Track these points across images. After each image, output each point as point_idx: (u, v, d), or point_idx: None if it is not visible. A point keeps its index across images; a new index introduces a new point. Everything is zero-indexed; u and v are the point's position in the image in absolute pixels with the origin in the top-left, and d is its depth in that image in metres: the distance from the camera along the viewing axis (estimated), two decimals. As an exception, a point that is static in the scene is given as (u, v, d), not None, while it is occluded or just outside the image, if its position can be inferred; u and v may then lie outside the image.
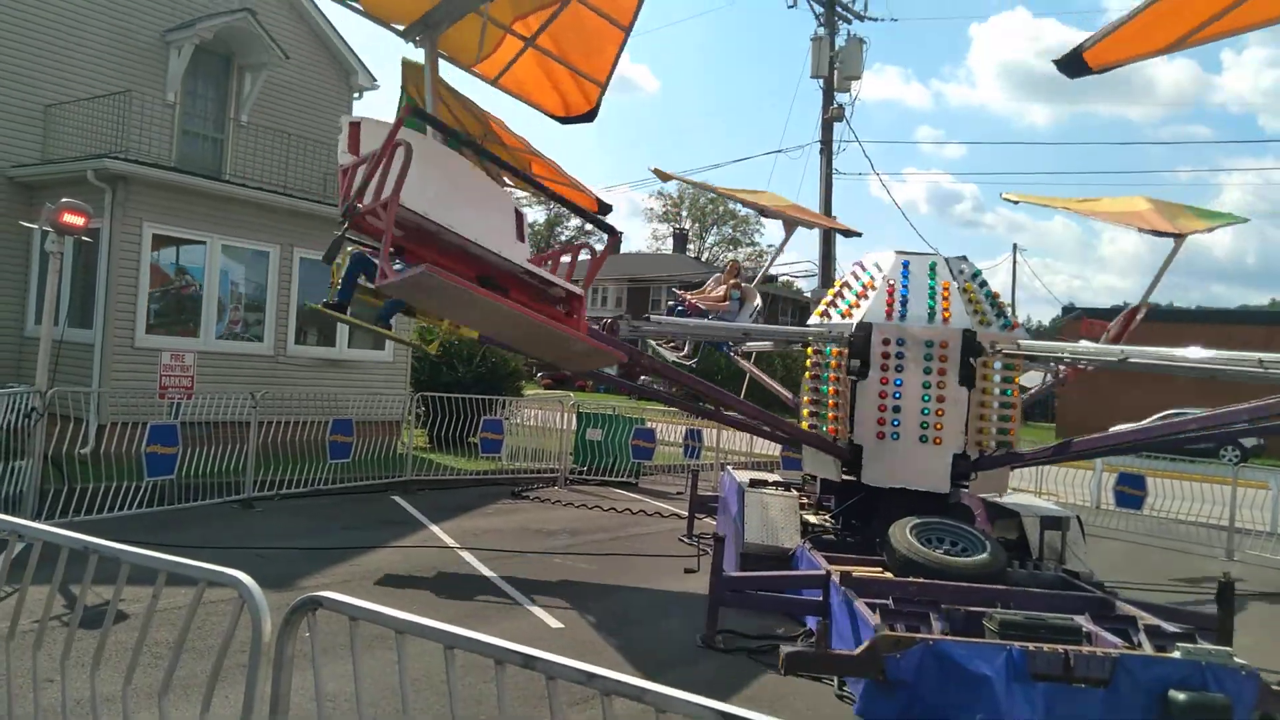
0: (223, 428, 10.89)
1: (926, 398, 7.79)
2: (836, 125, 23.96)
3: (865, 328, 8.04)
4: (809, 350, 8.75)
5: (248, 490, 10.68)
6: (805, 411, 8.68)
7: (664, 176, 12.95)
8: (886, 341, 7.93)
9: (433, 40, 7.33)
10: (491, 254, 6.42)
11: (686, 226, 69.92)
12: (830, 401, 8.18)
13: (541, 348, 7.43)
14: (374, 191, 5.93)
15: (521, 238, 7.14)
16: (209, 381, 12.31)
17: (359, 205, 6.04)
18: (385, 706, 4.79)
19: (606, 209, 9.13)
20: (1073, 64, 6.30)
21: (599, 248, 7.39)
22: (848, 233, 12.34)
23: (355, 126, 6.50)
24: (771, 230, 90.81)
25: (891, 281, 8.24)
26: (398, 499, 11.85)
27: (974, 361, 7.81)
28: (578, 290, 6.85)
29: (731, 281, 11.45)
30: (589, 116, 8.69)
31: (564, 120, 8.66)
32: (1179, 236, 9.25)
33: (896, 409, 7.86)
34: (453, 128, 6.57)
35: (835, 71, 23.83)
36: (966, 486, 8.04)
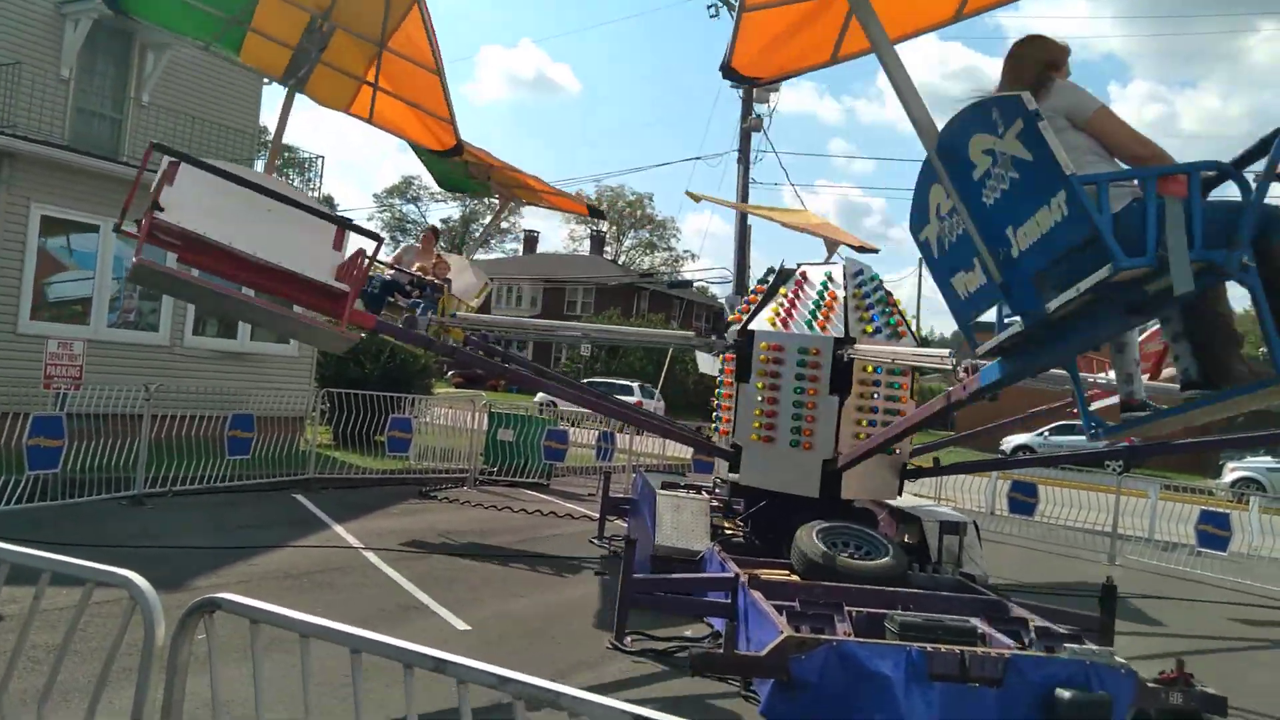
0: (113, 420, 10.38)
1: (798, 404, 8.01)
2: (754, 135, 24.33)
3: (749, 334, 8.35)
4: (728, 356, 8.89)
5: (139, 486, 10.20)
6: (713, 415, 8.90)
7: (695, 198, 13.03)
8: (766, 348, 8.18)
9: (294, 89, 8.36)
10: (254, 258, 7.16)
11: (604, 229, 69.99)
12: (723, 405, 8.44)
13: (283, 327, 10.03)
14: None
15: (337, 247, 7.71)
16: (99, 372, 11.71)
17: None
18: (284, 712, 4.62)
19: (458, 150, 9.30)
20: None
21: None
22: (863, 248, 12.25)
23: (174, 166, 7.13)
24: (688, 237, 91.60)
25: (785, 291, 8.49)
26: (300, 497, 11.49)
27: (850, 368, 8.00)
28: (344, 288, 7.52)
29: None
30: (454, 151, 9.25)
31: (433, 154, 9.23)
32: (833, 245, 10.25)
33: (772, 414, 8.09)
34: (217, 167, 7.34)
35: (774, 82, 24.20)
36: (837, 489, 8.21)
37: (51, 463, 9.28)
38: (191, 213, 7.01)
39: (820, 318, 8.18)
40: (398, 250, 10.94)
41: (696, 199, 13.02)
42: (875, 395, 8.05)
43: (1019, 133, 4.15)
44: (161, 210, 6.86)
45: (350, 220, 8.18)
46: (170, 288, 8.12)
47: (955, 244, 4.86)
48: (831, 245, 10.23)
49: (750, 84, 7.53)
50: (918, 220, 5.22)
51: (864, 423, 8.01)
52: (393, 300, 9.93)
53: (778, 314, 8.37)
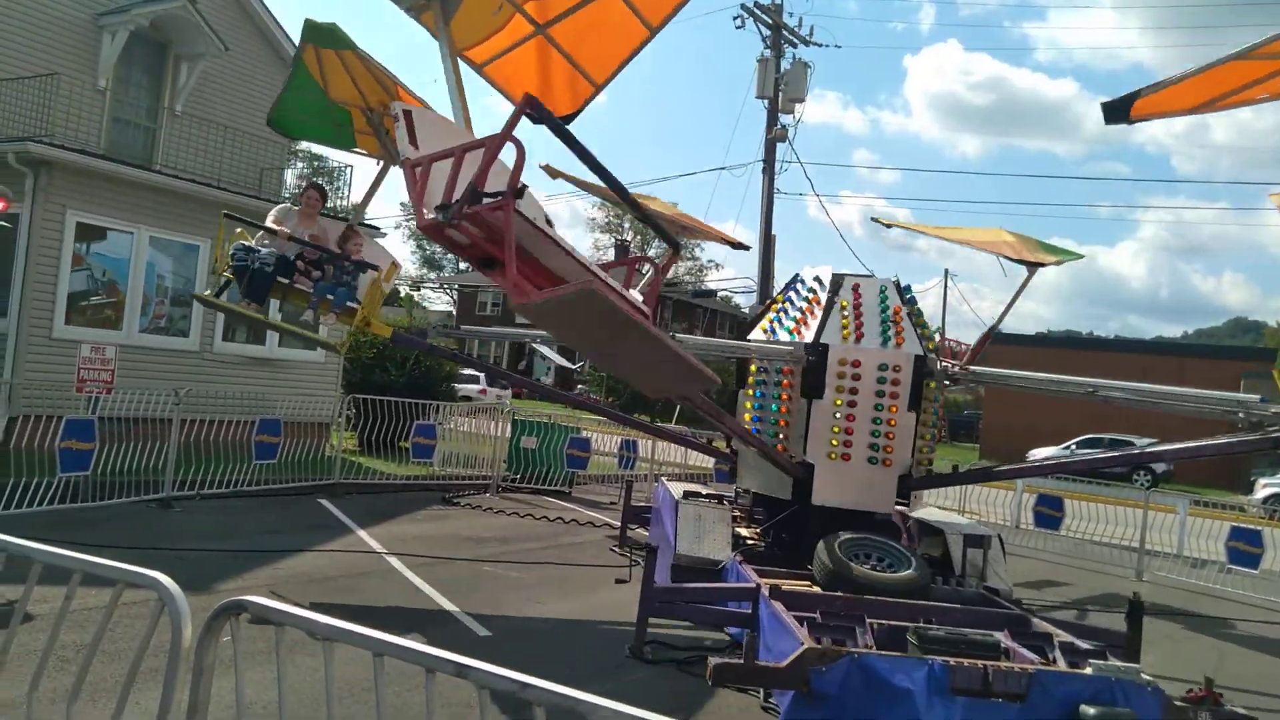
0: (143, 424, 10.53)
1: (878, 420, 7.93)
2: (779, 145, 24.32)
3: (822, 349, 8.11)
4: (752, 366, 8.83)
5: (167, 489, 10.35)
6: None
7: (886, 225, 13.06)
8: (843, 363, 8.03)
9: (447, 14, 7.17)
10: (583, 264, 5.87)
11: (629, 238, 70.11)
12: (781, 420, 8.30)
13: (652, 372, 6.59)
14: (445, 191, 5.32)
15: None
16: (130, 376, 11.90)
17: (465, 208, 5.21)
18: (307, 716, 4.67)
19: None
20: (1119, 111, 6.60)
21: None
22: (1060, 262, 10.84)
23: (408, 116, 6.00)
24: (712, 247, 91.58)
25: (845, 303, 8.35)
26: (324, 502, 11.59)
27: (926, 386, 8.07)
28: (645, 308, 6.22)
29: (311, 226, 8.41)
30: (568, 119, 8.63)
31: (536, 119, 8.62)
32: (1033, 265, 9.82)
33: (849, 430, 7.99)
34: (581, 146, 5.56)
35: (780, 93, 24.21)
36: (906, 504, 8.28)
37: (82, 465, 9.44)
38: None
39: (895, 334, 8.15)
40: (272, 214, 8.29)
41: (888, 226, 12.90)
42: (855, 401, 8.05)
43: None
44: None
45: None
46: (580, 327, 7.35)
47: None
48: (1033, 269, 9.83)
49: (1126, 122, 7.31)
50: None
51: (925, 436, 8.13)
52: (288, 283, 7.95)
53: (845, 328, 8.21)
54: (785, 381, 8.12)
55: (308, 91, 7.85)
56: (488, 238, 5.54)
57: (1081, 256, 10.35)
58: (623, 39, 7.63)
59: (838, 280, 8.62)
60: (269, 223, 8.06)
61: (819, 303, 8.37)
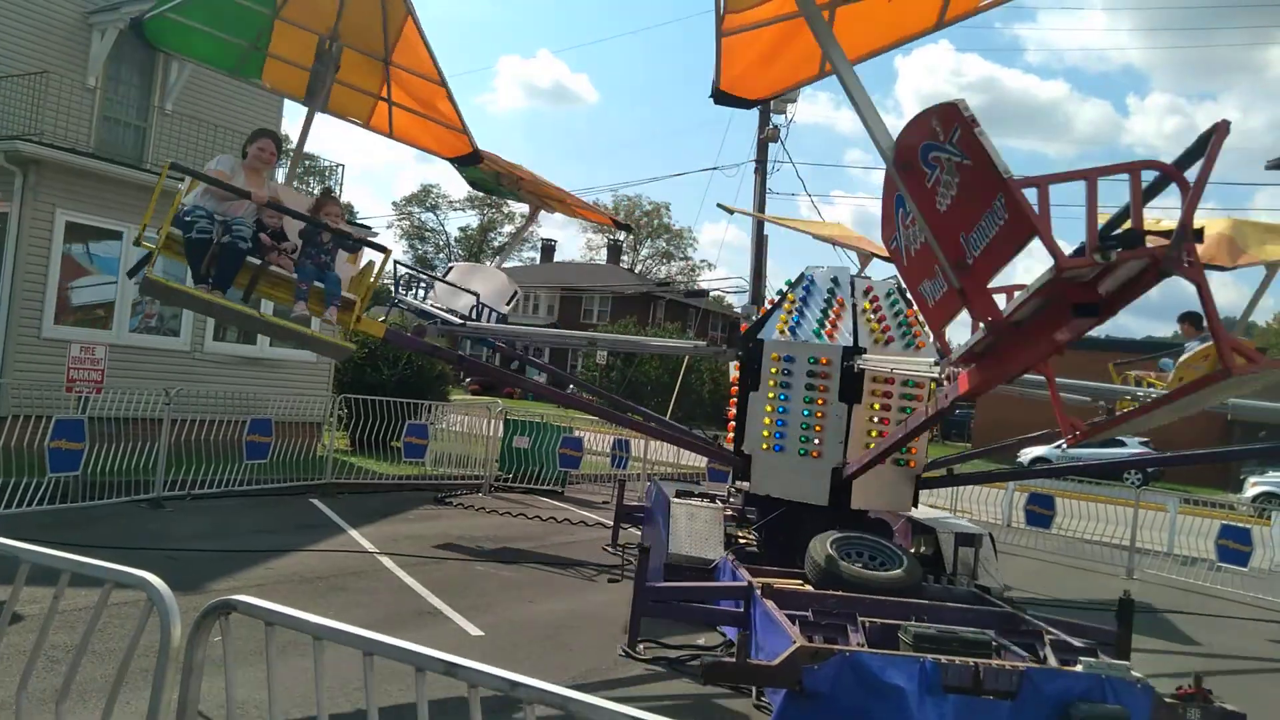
0: (134, 424, 10.49)
1: (807, 413, 7.98)
2: (771, 146, 24.33)
3: (758, 343, 8.28)
4: (773, 369, 8.78)
5: (158, 489, 10.31)
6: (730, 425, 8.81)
7: (730, 210, 13.20)
8: (776, 358, 8.12)
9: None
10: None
11: (621, 238, 70.12)
12: (816, 426, 8.27)
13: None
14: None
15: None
16: (121, 376, 11.85)
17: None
18: (298, 715, 4.66)
19: (477, 158, 9.28)
20: (720, 96, 6.90)
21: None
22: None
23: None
24: (705, 247, 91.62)
25: (869, 306, 8.34)
26: (316, 502, 11.56)
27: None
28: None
29: (258, 186, 7.00)
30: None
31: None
32: (868, 256, 10.12)
33: (782, 422, 8.05)
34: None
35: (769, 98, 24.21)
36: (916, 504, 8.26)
37: (73, 465, 9.40)
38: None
39: (830, 326, 8.15)
40: (211, 164, 7.03)
41: (730, 211, 13.14)
42: (888, 405, 8.01)
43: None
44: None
45: (366, 231, 8.36)
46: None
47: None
48: (865, 258, 10.14)
49: (742, 105, 7.46)
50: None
51: (874, 433, 7.99)
52: (260, 262, 6.71)
53: (784, 322, 8.33)
54: (822, 386, 8.04)
55: None
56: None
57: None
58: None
59: (854, 282, 8.63)
60: (210, 172, 6.69)
61: (844, 305, 8.33)
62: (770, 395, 8.15)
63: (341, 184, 19.42)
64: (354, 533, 9.95)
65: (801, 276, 8.84)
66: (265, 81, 8.66)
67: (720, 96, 7.15)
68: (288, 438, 12.40)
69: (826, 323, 8.24)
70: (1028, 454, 30.50)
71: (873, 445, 7.80)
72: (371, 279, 7.58)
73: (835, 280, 8.56)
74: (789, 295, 8.65)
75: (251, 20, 7.79)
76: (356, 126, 9.13)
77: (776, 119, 24.45)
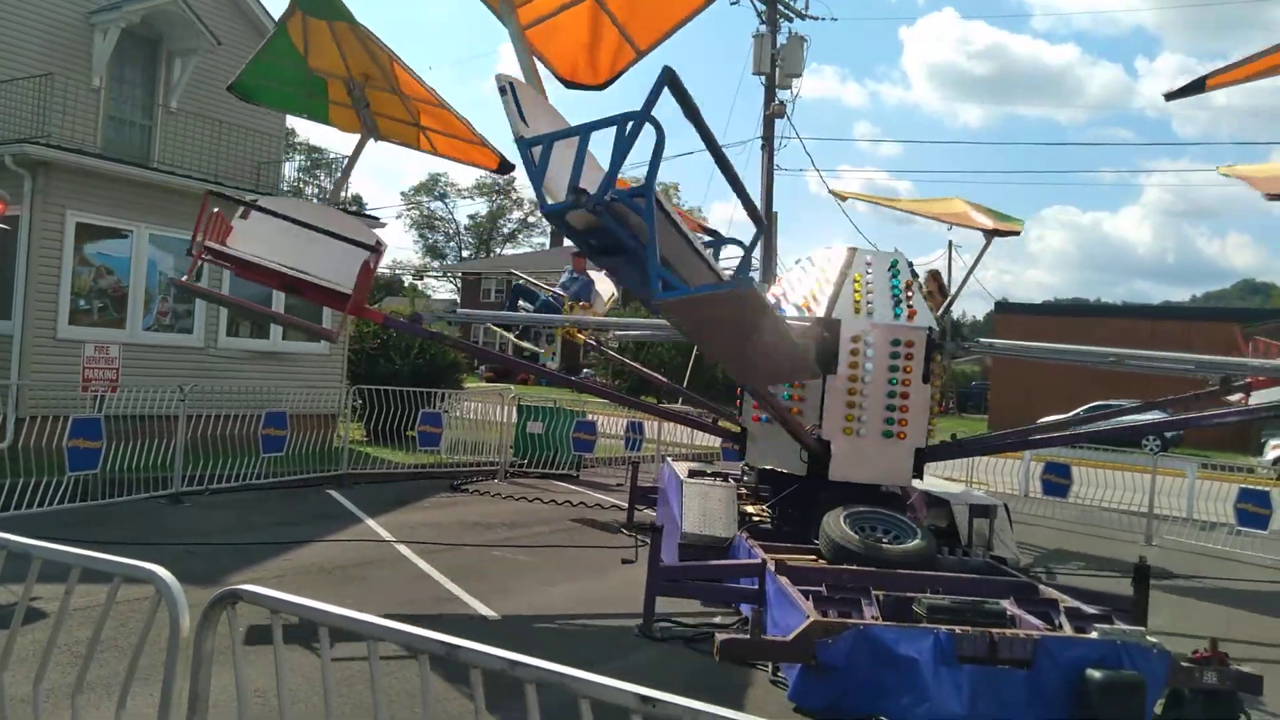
0: (150, 421, 10.59)
1: (892, 394, 7.91)
2: (778, 121, 24.16)
3: (833, 324, 7.98)
4: None
5: (176, 485, 10.42)
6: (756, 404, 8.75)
7: (842, 196, 13.06)
8: (855, 339, 7.93)
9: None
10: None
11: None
12: (794, 395, 8.25)
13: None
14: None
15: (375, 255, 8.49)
16: (136, 374, 11.96)
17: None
18: (314, 702, 4.72)
19: (508, 167, 8.75)
20: (1188, 91, 6.66)
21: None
22: (1006, 231, 10.30)
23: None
24: (715, 225, 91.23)
25: (857, 276, 8.28)
26: (333, 493, 11.66)
27: (935, 359, 8.06)
28: (345, 291, 8.21)
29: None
30: (504, 168, 8.84)
31: (570, 85, 8.25)
32: (990, 233, 9.83)
33: (864, 405, 7.95)
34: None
35: (777, 68, 24.01)
36: (920, 477, 8.28)
37: (91, 463, 9.50)
38: (255, 242, 8.23)
39: (907, 307, 8.11)
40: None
41: (843, 197, 12.96)
42: (866, 374, 8.04)
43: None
44: (232, 240, 8.11)
45: (369, 230, 8.58)
46: (206, 299, 9.03)
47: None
48: (990, 235, 9.83)
49: (594, 89, 7.46)
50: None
51: (933, 409, 8.22)
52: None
53: (857, 302, 8.12)
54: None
55: (284, 58, 7.89)
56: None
57: (1017, 233, 10.32)
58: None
59: (848, 255, 8.56)
60: None
61: (828, 279, 8.32)
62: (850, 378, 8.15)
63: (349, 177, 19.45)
64: (371, 522, 10.03)
65: (798, 260, 8.96)
66: (333, 122, 8.98)
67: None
68: (303, 430, 12.49)
69: (807, 296, 8.30)
70: (1044, 423, 30.28)
71: (852, 415, 7.88)
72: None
73: (828, 257, 8.59)
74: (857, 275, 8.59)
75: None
76: (414, 150, 9.28)
77: (782, 94, 24.30)
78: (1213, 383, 9.17)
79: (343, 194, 10.42)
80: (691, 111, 4.93)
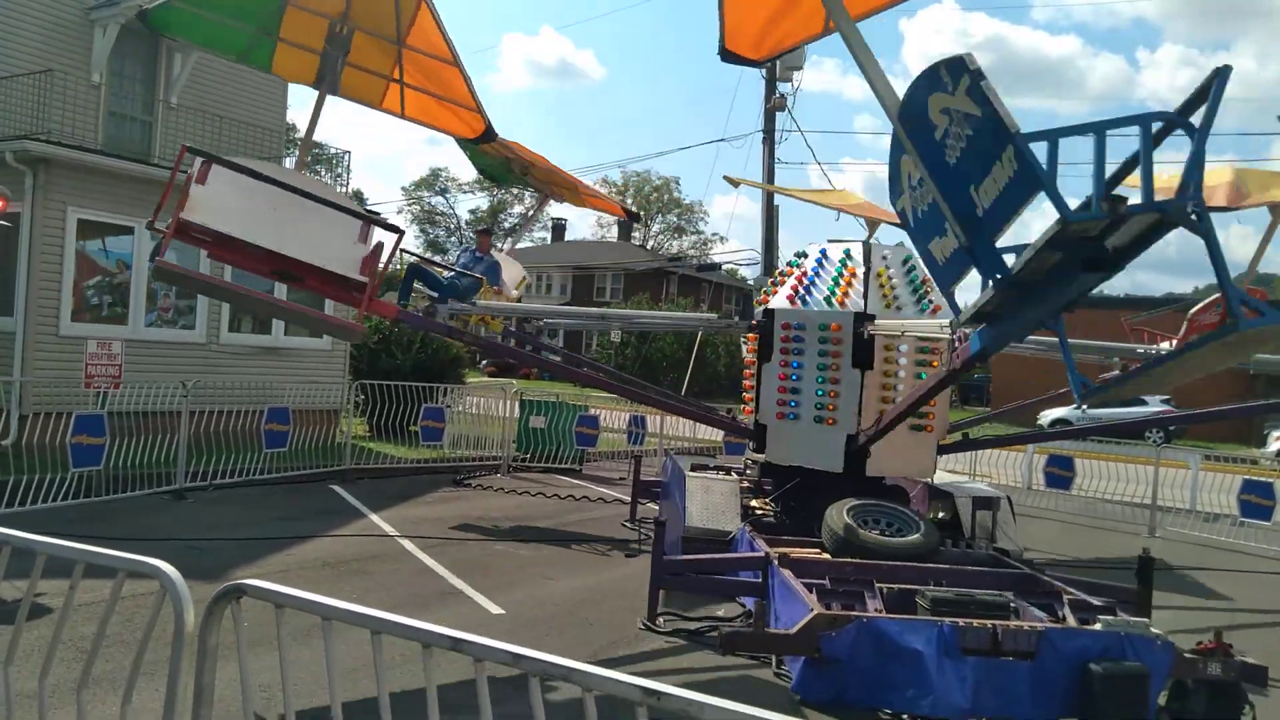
0: (153, 418, 10.60)
1: (821, 379, 7.95)
2: (778, 115, 24.10)
3: (769, 314, 8.27)
4: (751, 337, 8.88)
5: (179, 481, 10.43)
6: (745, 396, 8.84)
7: (734, 182, 13.09)
8: (786, 326, 8.12)
9: (325, 92, 8.35)
10: (280, 254, 7.23)
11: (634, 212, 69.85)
12: (830, 392, 8.25)
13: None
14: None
15: (362, 240, 7.72)
16: (138, 371, 11.96)
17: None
18: (319, 696, 4.72)
19: (491, 136, 9.25)
20: (726, 55, 6.81)
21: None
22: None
23: (206, 166, 7.20)
24: (716, 220, 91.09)
25: (802, 268, 8.40)
26: (336, 488, 11.67)
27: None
28: (363, 279, 7.64)
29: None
30: (487, 136, 9.17)
31: (468, 143, 9.20)
32: (874, 223, 9.99)
33: (795, 390, 8.05)
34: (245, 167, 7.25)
35: (777, 61, 23.94)
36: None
37: (95, 460, 9.52)
38: (221, 212, 7.29)
39: (839, 294, 8.13)
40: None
41: (735, 183, 13.01)
42: (901, 370, 7.99)
43: (967, 89, 4.15)
44: (187, 213, 7.14)
45: (374, 215, 8.32)
46: (191, 286, 8.43)
47: (927, 211, 4.86)
48: (873, 224, 10.08)
49: (749, 64, 7.40)
50: (895, 191, 5.25)
51: (889, 399, 7.98)
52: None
53: (796, 291, 8.32)
54: (835, 353, 8.02)
55: None
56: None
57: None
58: (448, 74, 8.23)
59: (869, 250, 8.60)
60: None
61: (855, 274, 8.31)
62: (782, 364, 8.15)
63: (349, 171, 19.45)
64: (374, 517, 10.04)
65: (809, 250, 8.85)
66: (275, 69, 8.72)
67: (727, 55, 7.11)
68: (306, 425, 12.50)
69: (838, 290, 8.22)
70: (1047, 416, 30.30)
71: (885, 411, 7.79)
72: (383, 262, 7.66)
73: (848, 251, 8.54)
74: (800, 265, 8.64)
75: (261, 6, 7.80)
76: (366, 108, 9.13)
77: (783, 87, 24.23)
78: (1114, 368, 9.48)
79: (307, 159, 10.22)
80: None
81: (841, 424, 7.94)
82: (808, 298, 8.28)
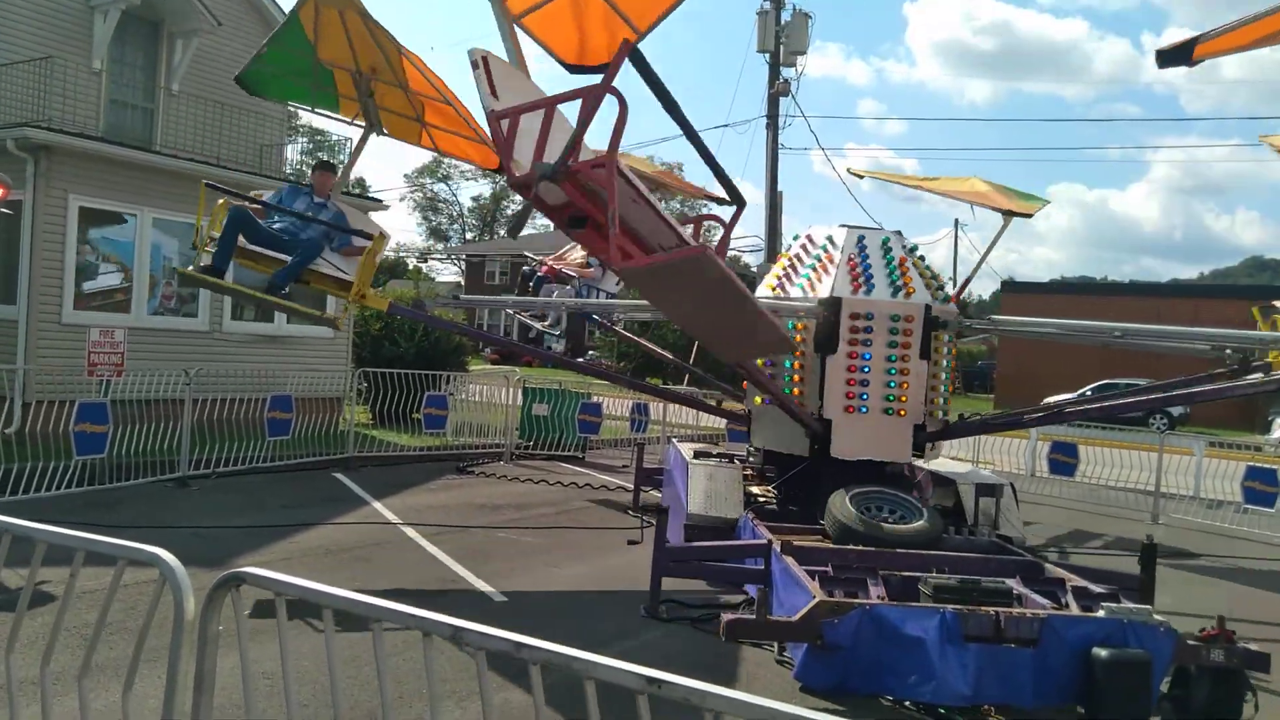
0: (156, 405, 10.60)
1: (891, 370, 7.91)
2: (782, 100, 23.99)
3: (834, 303, 7.97)
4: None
5: (183, 469, 10.45)
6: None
7: (858, 175, 13.04)
8: (855, 316, 7.93)
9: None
10: (671, 226, 5.83)
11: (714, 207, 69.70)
12: (795, 375, 8.24)
13: (738, 335, 6.64)
14: (535, 149, 5.19)
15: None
16: (141, 358, 11.96)
17: (569, 163, 5.06)
18: (321, 684, 4.73)
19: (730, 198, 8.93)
20: (1178, 56, 6.37)
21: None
22: (1018, 212, 10.35)
23: (487, 63, 5.58)
24: (716, 206, 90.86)
25: (852, 256, 8.26)
26: (339, 476, 11.68)
27: (938, 336, 8.06)
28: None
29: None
30: (601, 70, 8.59)
31: (574, 69, 8.26)
32: (1008, 214, 9.77)
33: (864, 383, 7.93)
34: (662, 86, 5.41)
35: (781, 46, 23.83)
36: (921, 455, 8.26)
37: (98, 448, 9.53)
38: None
39: (905, 284, 8.09)
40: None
41: (860, 175, 12.99)
42: (943, 362, 8.19)
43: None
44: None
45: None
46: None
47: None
48: (1008, 217, 9.83)
49: (598, 72, 7.29)
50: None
51: (936, 388, 8.23)
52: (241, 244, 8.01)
53: (855, 280, 8.12)
54: (905, 344, 8.00)
55: (294, 49, 7.77)
56: (584, 196, 5.35)
57: (1049, 202, 10.33)
58: (453, 118, 7.99)
59: (840, 235, 8.54)
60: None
61: (831, 260, 8.28)
62: (851, 355, 8.10)
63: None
64: (377, 504, 10.05)
65: (796, 236, 8.94)
66: (341, 112, 8.85)
67: (573, 69, 7.15)
68: (309, 413, 12.51)
69: (812, 275, 8.25)
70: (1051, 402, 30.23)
71: (851, 393, 7.88)
72: (374, 260, 7.87)
73: (830, 238, 8.53)
74: (783, 254, 8.70)
75: (306, 63, 8.00)
76: (415, 146, 9.19)
77: (787, 72, 24.12)
78: (1231, 362, 9.13)
79: (348, 183, 10.37)
80: (655, 85, 4.97)
81: (911, 415, 7.92)
82: (869, 286, 8.15)
